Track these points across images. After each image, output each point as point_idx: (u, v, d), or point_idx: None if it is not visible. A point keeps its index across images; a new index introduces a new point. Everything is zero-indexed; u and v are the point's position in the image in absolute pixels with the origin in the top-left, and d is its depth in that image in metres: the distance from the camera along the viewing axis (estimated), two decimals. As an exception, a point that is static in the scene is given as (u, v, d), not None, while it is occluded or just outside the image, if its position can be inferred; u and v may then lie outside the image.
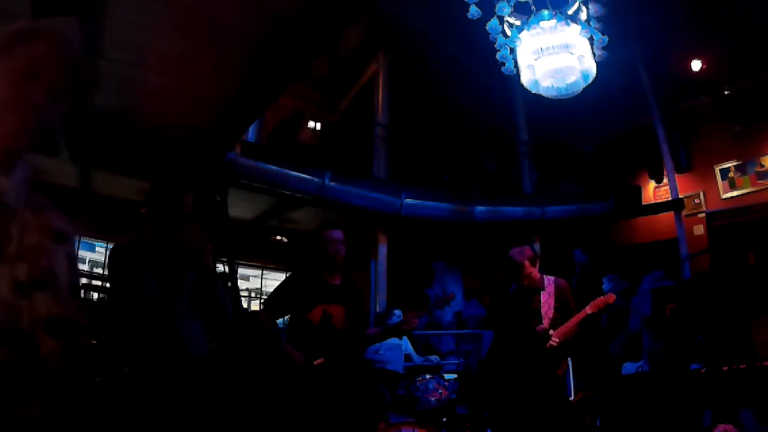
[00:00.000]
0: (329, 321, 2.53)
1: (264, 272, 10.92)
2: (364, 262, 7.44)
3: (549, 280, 3.28)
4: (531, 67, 3.68)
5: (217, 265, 2.02)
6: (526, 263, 3.26)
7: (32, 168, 0.92)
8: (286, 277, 2.89)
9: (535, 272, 3.27)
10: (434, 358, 5.18)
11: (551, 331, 3.09)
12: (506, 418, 3.36)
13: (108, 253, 1.85)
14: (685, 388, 3.74)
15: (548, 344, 3.07)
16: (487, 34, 3.63)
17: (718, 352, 4.29)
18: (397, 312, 5.31)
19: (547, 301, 3.19)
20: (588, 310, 3.10)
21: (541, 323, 3.14)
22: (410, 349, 5.12)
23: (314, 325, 2.51)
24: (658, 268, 6.66)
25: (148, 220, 1.90)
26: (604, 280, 6.96)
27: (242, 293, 10.04)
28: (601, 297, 3.13)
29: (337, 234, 2.68)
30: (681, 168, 7.95)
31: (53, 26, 0.96)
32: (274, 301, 2.69)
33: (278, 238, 9.36)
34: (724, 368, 3.73)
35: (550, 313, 3.15)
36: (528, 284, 3.28)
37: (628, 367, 5.42)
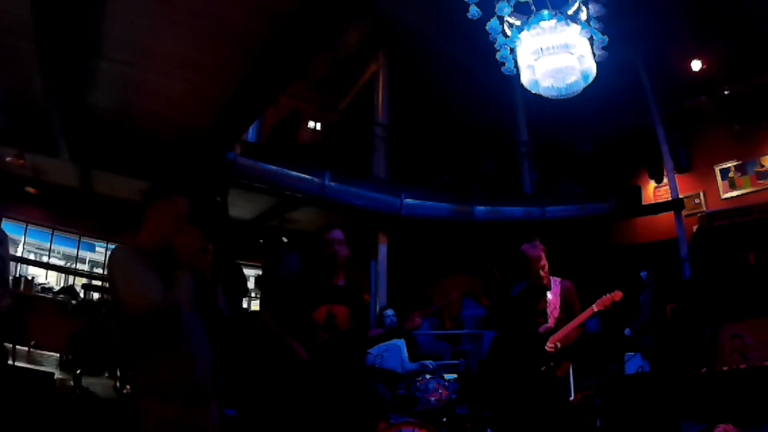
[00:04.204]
0: (333, 321, 2.52)
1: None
2: (364, 262, 7.43)
3: (555, 281, 3.27)
4: (531, 67, 3.66)
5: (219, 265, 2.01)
6: (542, 255, 3.23)
7: None
8: (290, 275, 2.88)
9: (547, 266, 3.24)
10: (430, 363, 4.99)
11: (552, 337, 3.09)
12: (506, 418, 3.36)
13: (109, 255, 1.86)
14: (685, 388, 3.74)
15: (547, 347, 3.08)
16: (487, 34, 3.62)
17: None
18: (388, 312, 5.25)
19: (552, 301, 3.19)
20: (594, 307, 3.08)
21: (547, 322, 3.14)
22: (404, 354, 4.98)
23: (318, 325, 2.50)
24: (658, 268, 6.62)
25: (145, 223, 1.91)
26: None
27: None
28: (608, 294, 3.09)
29: (337, 234, 2.68)
30: (681, 168, 7.94)
31: None
32: (278, 298, 2.68)
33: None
34: (724, 368, 3.74)
35: (556, 313, 3.16)
36: (540, 280, 3.22)
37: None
